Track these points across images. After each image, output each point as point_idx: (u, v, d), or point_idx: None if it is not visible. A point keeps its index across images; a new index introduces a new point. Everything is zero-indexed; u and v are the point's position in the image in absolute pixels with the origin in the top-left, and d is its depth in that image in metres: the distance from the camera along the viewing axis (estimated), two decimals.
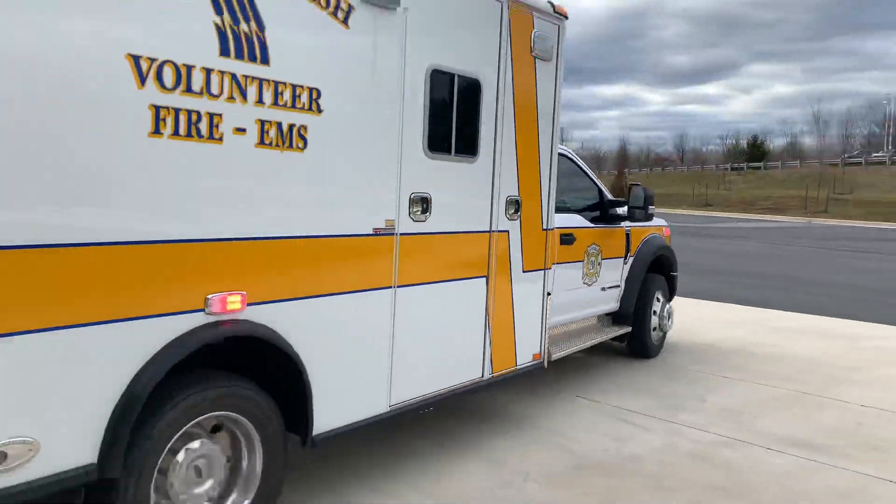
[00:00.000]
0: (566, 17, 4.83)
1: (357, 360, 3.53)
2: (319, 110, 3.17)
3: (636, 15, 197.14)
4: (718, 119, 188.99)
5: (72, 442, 2.49)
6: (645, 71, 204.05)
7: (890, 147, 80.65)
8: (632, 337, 6.80)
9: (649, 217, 6.68)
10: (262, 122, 2.96)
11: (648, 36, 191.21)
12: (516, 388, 6.03)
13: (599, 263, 6.12)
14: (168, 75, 2.62)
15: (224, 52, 2.80)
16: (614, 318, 6.64)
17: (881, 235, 28.39)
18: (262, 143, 2.96)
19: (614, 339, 6.56)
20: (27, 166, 2.31)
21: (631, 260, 6.66)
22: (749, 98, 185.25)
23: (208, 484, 2.98)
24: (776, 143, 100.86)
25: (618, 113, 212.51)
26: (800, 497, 4.07)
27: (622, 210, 6.47)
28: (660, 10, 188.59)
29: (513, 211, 4.53)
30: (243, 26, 2.84)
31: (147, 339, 2.66)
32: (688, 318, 9.40)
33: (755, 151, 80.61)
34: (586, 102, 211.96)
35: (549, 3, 4.70)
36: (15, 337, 2.32)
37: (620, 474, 4.31)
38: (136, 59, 2.54)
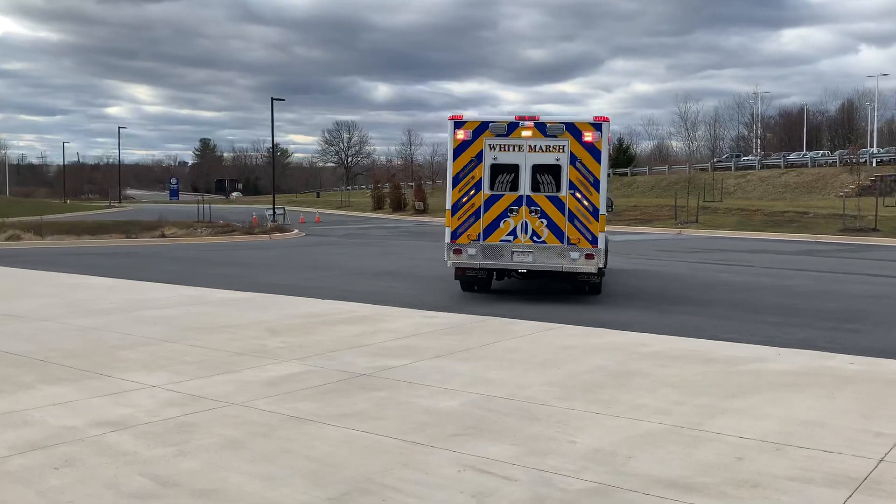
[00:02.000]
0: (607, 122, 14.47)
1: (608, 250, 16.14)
2: (598, 180, 13.92)
3: (485, 1, 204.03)
4: None
5: (603, 260, 14.52)
6: (499, 66, 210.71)
7: (759, 150, 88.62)
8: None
9: (612, 211, 16.20)
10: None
11: (500, 26, 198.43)
12: (367, 447, 5.95)
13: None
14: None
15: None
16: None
17: (752, 246, 31.04)
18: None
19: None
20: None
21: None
22: (611, 97, 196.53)
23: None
24: (642, 146, 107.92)
25: (471, 112, 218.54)
26: None
27: None
28: None
29: (607, 207, 14.20)
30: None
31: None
32: (549, 346, 9.74)
33: (621, 156, 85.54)
34: (435, 101, 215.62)
35: (606, 125, 14.13)
36: (607, 235, 14.52)
37: None
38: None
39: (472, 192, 14.01)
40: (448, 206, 14.09)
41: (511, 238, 13.91)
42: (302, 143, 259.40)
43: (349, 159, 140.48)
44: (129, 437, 6.05)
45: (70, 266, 20.83)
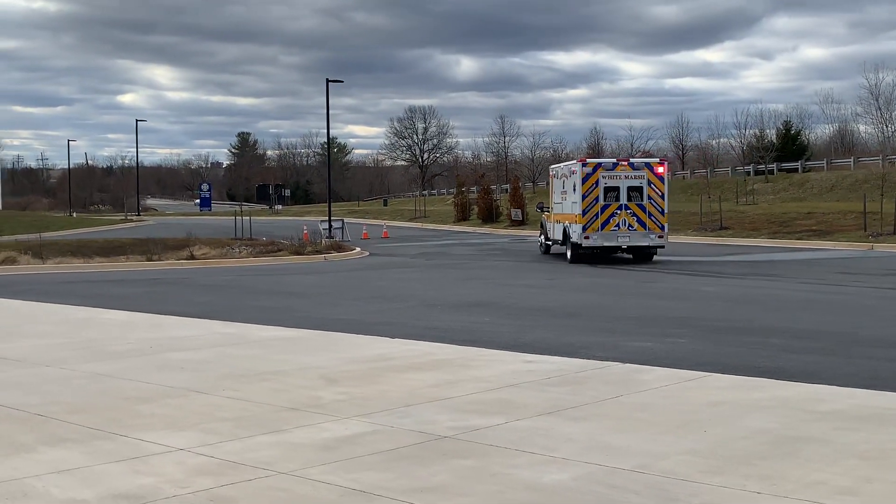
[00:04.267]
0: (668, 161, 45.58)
1: None
2: (664, 194, 33.60)
3: None
4: (730, 98, 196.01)
5: (666, 240, 35.76)
6: (618, 30, 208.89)
7: None
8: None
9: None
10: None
11: None
12: None
13: None
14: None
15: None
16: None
17: None
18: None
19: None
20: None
21: None
22: (771, 66, 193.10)
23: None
24: (818, 132, 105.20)
25: (583, 92, 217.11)
26: None
27: None
28: None
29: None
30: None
31: None
32: (691, 402, 9.62)
33: (789, 146, 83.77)
34: (534, 77, 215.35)
35: (667, 161, 45.69)
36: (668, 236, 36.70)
37: None
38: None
39: (594, 202, 31.14)
40: (578, 211, 31.17)
41: (616, 229, 31.18)
42: (364, 136, 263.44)
43: (425, 156, 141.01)
44: None
45: (77, 296, 21.55)
